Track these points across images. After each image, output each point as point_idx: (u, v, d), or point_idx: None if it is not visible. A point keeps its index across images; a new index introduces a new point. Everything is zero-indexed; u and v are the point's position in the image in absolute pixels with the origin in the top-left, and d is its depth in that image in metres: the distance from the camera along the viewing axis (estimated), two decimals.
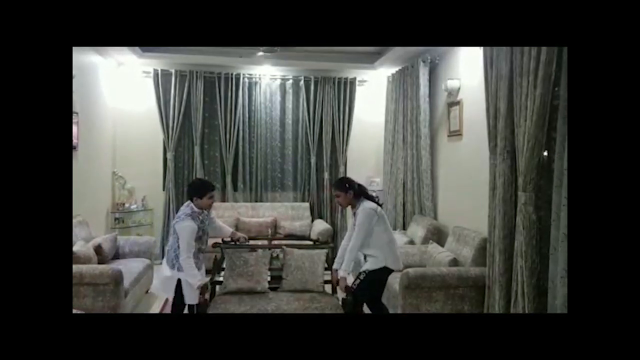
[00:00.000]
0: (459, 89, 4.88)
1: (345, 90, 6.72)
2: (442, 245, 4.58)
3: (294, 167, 6.80)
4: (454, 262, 3.96)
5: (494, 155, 3.55)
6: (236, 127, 6.51)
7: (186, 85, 6.38)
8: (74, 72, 4.46)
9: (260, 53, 5.35)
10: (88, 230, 4.72)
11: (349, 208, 3.60)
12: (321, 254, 3.73)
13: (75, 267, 3.58)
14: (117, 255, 4.76)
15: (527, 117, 3.08)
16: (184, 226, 3.18)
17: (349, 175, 6.87)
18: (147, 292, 4.81)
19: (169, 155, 6.41)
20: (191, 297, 3.28)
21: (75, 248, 3.87)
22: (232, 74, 6.48)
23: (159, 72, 6.36)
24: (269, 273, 3.68)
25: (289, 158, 6.76)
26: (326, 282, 3.63)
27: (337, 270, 3.43)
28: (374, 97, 6.85)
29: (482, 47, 3.81)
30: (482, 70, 3.71)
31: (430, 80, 5.41)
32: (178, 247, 3.19)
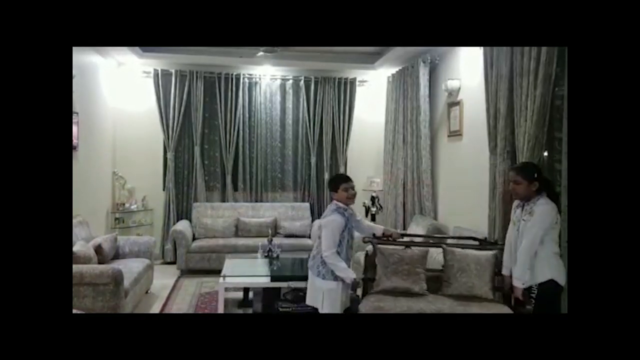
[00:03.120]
0: (459, 89, 4.87)
1: (345, 91, 6.72)
2: None
3: (294, 168, 6.79)
4: None
5: (494, 156, 3.55)
6: (236, 128, 6.51)
7: (186, 85, 6.38)
8: (74, 72, 4.46)
9: (261, 53, 5.35)
10: (88, 230, 4.72)
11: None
12: (489, 255, 3.26)
13: (75, 267, 3.58)
14: (117, 255, 4.75)
15: (527, 117, 3.09)
16: (330, 219, 2.98)
17: (349, 175, 6.86)
18: (147, 292, 4.80)
19: (169, 156, 6.41)
20: (332, 310, 3.00)
21: (75, 248, 3.87)
22: (232, 74, 6.48)
23: (159, 72, 6.36)
24: (425, 273, 3.34)
25: (289, 158, 6.76)
26: (496, 288, 3.18)
27: (506, 276, 2.96)
28: (374, 97, 6.84)
29: (482, 47, 3.82)
30: (482, 70, 3.71)
31: (430, 81, 5.41)
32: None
